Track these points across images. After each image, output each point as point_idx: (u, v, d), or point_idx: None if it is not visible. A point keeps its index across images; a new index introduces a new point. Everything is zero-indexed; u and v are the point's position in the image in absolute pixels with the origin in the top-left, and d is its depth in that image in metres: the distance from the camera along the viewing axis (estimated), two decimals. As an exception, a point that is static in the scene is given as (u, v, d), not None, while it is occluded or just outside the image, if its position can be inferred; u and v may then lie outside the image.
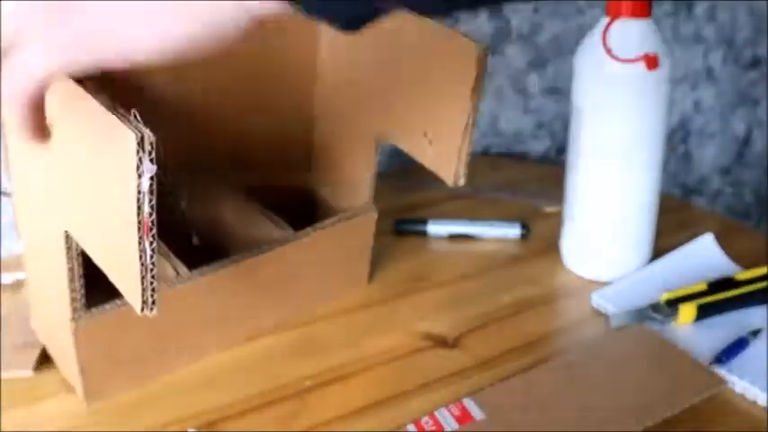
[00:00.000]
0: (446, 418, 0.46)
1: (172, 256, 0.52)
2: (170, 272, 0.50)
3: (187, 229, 0.58)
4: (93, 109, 0.37)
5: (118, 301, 0.46)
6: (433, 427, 0.46)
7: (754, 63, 1.22)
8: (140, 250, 0.36)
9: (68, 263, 0.44)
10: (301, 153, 0.66)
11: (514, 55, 1.01)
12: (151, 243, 0.36)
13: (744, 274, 0.58)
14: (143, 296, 0.38)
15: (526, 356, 0.53)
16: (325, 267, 0.58)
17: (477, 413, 0.47)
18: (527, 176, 0.88)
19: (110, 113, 0.35)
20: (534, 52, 1.02)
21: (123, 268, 0.38)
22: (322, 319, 0.59)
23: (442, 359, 0.54)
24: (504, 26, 0.98)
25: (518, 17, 0.98)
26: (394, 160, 0.96)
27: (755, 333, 0.53)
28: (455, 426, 0.46)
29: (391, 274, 0.65)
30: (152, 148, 0.34)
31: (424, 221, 0.73)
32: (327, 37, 0.61)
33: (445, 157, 0.50)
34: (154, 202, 0.36)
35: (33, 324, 0.55)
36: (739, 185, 1.32)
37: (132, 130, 0.34)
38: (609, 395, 0.48)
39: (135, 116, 0.35)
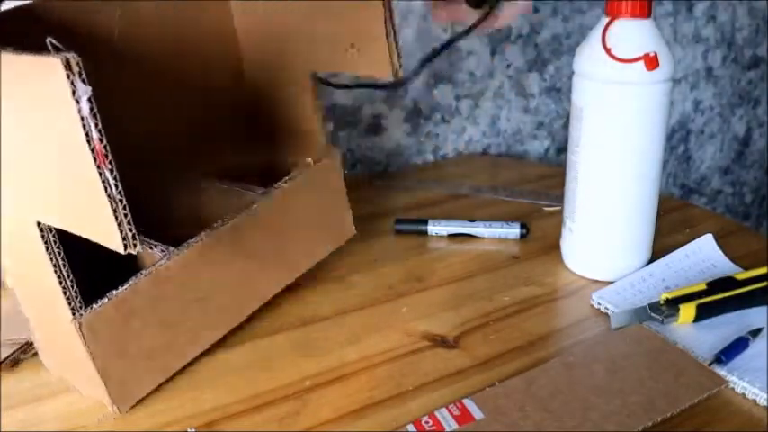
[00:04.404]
0: (446, 418, 0.46)
1: (155, 242, 0.52)
2: (158, 254, 0.50)
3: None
4: (7, 61, 0.37)
5: (114, 291, 0.46)
6: (433, 427, 0.46)
7: (754, 63, 1.22)
8: (103, 181, 0.36)
9: (51, 258, 0.44)
10: (245, 121, 0.67)
11: (514, 55, 1.01)
12: (111, 171, 0.36)
13: (744, 274, 0.58)
14: (121, 232, 0.37)
15: (526, 356, 0.53)
16: (308, 221, 0.59)
17: (477, 413, 0.47)
18: (527, 176, 0.88)
19: (24, 54, 0.35)
20: (534, 52, 1.02)
21: (94, 214, 0.38)
22: (322, 319, 0.59)
23: (442, 359, 0.54)
24: (504, 26, 0.98)
25: (518, 17, 0.98)
26: (393, 160, 0.96)
27: (755, 333, 0.53)
28: (455, 426, 0.46)
29: (391, 274, 0.65)
30: (80, 68, 0.34)
31: (424, 221, 0.73)
32: None
33: (377, 57, 0.51)
34: (100, 126, 0.35)
35: (44, 361, 0.53)
36: (739, 185, 1.32)
37: (55, 57, 0.33)
38: (609, 395, 0.48)
39: (50, 44, 0.34)
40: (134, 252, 0.38)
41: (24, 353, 0.54)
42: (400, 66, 0.52)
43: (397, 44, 0.51)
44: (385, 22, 0.50)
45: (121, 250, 0.38)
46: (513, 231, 0.71)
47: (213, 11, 0.62)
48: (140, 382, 0.49)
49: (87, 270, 0.46)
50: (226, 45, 0.64)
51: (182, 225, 0.62)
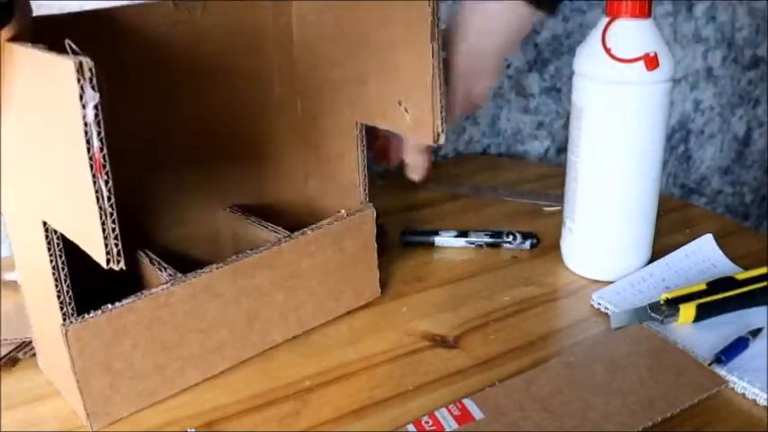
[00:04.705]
0: (446, 418, 0.46)
1: (165, 264, 0.51)
2: (165, 277, 0.49)
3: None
4: (28, 55, 0.37)
5: (110, 305, 0.46)
6: (433, 427, 0.46)
7: (754, 63, 1.22)
8: (96, 191, 0.35)
9: (51, 260, 0.43)
10: (294, 159, 0.65)
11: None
12: (106, 182, 0.36)
13: (744, 274, 0.58)
14: (106, 245, 0.36)
15: (526, 356, 0.53)
16: (329, 274, 0.57)
17: (477, 413, 0.47)
18: (527, 176, 0.88)
19: (44, 52, 0.35)
20: (534, 52, 1.02)
21: (84, 221, 0.37)
22: (322, 319, 0.59)
23: (442, 359, 0.54)
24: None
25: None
26: (394, 160, 0.96)
27: (755, 333, 0.53)
28: (455, 426, 0.46)
29: (391, 274, 0.65)
30: (92, 74, 0.34)
31: (434, 233, 0.70)
32: (298, 28, 0.61)
33: (422, 120, 0.49)
34: (103, 135, 0.35)
35: (39, 362, 0.53)
36: (739, 185, 1.32)
37: (69, 59, 0.33)
38: (609, 395, 0.48)
39: (70, 47, 0.34)
40: (116, 268, 0.38)
41: (23, 353, 0.54)
42: (442, 130, 0.49)
43: (441, 106, 0.48)
44: (432, 80, 0.47)
45: (104, 264, 0.38)
46: (524, 245, 0.69)
47: (273, 35, 0.61)
48: (121, 403, 0.48)
49: (100, 282, 0.46)
50: (284, 73, 0.62)
51: (195, 248, 0.62)
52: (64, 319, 0.44)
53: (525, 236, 0.69)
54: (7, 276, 0.63)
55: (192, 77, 0.57)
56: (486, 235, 0.69)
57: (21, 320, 0.55)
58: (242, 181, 0.63)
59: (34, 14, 0.43)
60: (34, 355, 0.54)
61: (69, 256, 0.44)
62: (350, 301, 0.59)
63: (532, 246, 0.69)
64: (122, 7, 0.50)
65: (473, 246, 0.70)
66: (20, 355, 0.54)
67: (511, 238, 0.69)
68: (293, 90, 0.63)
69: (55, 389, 0.51)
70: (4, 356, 0.54)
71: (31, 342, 0.54)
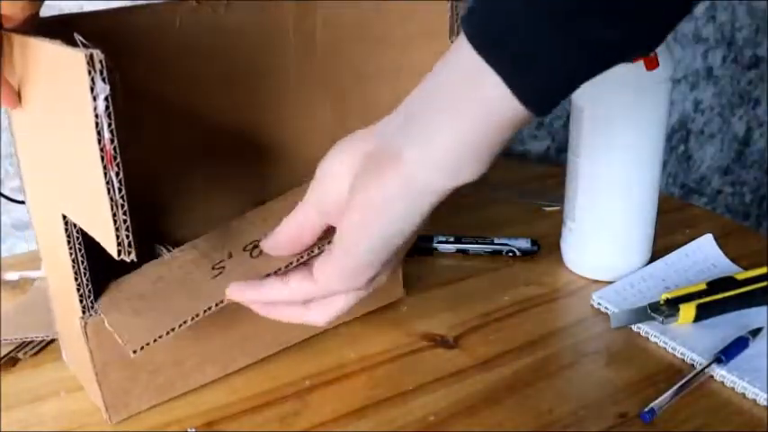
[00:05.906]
0: None
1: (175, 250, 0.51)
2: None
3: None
4: (40, 48, 0.37)
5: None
6: None
7: (755, 63, 1.22)
8: (107, 183, 0.36)
9: (71, 252, 0.43)
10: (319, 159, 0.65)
11: (514, 55, 1.00)
12: (117, 174, 0.36)
13: (744, 274, 0.58)
14: (117, 237, 0.37)
15: (526, 356, 0.53)
16: None
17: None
18: (527, 176, 0.88)
19: (55, 44, 0.36)
20: (534, 52, 1.02)
21: (96, 213, 0.38)
22: (322, 319, 0.59)
23: (442, 359, 0.54)
24: (504, 26, 0.97)
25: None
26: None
27: (755, 333, 0.53)
28: None
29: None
30: (102, 66, 0.34)
31: (431, 239, 0.70)
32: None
33: None
34: (113, 127, 0.35)
35: (64, 355, 0.53)
36: (739, 185, 1.32)
37: (80, 51, 0.34)
38: None
39: (81, 41, 0.35)
40: (127, 260, 0.38)
41: (23, 353, 0.54)
42: None
43: None
44: None
45: (115, 255, 0.38)
46: (525, 247, 0.69)
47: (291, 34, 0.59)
48: (140, 396, 0.48)
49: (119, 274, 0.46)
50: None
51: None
52: (83, 312, 0.45)
53: (525, 252, 0.68)
54: (7, 276, 0.63)
55: (215, 77, 0.56)
56: (486, 252, 0.69)
57: (21, 320, 0.55)
58: (266, 181, 0.63)
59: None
60: (34, 354, 0.54)
61: (92, 252, 0.44)
62: (374, 301, 0.59)
63: (533, 253, 0.69)
64: (143, 6, 0.50)
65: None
66: (20, 355, 0.54)
67: (510, 255, 0.68)
68: (317, 90, 0.62)
69: (55, 389, 0.51)
70: (4, 356, 0.54)
71: (31, 342, 0.55)
